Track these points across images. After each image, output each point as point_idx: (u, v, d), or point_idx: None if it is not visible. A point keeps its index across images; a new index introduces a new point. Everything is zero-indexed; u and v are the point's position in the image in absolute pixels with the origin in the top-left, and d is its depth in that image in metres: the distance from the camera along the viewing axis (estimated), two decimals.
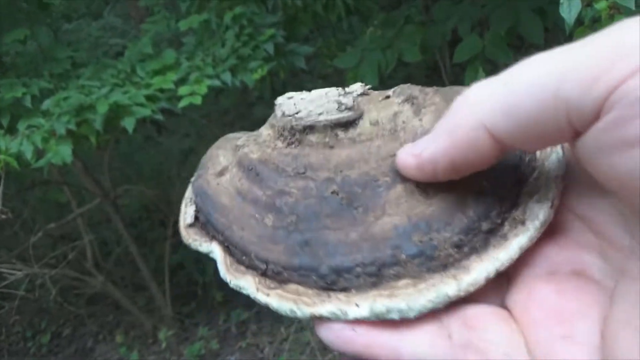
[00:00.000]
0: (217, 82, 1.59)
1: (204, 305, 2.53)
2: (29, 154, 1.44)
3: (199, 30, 1.76)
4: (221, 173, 0.25)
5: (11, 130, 1.52)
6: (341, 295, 0.20)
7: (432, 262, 0.20)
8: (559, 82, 0.16)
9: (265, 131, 0.25)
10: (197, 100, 1.53)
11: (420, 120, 0.23)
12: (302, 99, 0.25)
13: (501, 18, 1.35)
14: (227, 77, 1.58)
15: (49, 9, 1.95)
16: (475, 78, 1.38)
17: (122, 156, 2.87)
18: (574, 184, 0.21)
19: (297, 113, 0.24)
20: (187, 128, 3.11)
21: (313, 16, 1.83)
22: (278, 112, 0.25)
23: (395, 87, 0.26)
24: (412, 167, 0.20)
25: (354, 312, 0.19)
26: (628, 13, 0.77)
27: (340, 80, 2.30)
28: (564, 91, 0.16)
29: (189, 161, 2.82)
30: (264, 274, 0.22)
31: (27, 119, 1.51)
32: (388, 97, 0.25)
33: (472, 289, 0.19)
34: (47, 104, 1.52)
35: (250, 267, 0.22)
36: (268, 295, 0.21)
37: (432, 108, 0.23)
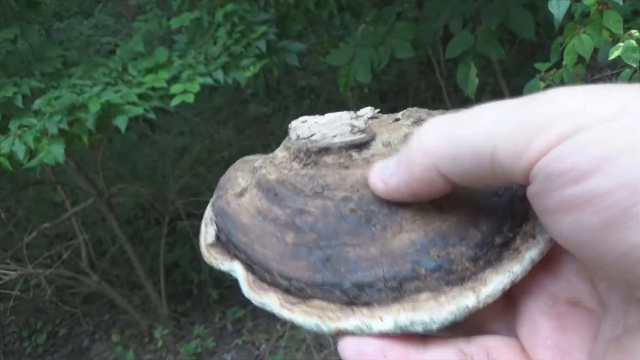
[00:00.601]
0: (209, 80, 1.59)
1: (199, 304, 2.53)
2: (21, 154, 1.43)
3: (191, 28, 1.75)
4: (241, 194, 0.26)
5: (3, 130, 1.51)
6: (364, 310, 0.21)
7: (450, 275, 0.21)
8: (494, 148, 0.18)
9: (280, 153, 0.26)
10: (190, 98, 1.53)
11: None
12: (315, 122, 0.26)
13: (491, 13, 1.35)
14: (219, 75, 1.58)
15: (39, 8, 1.94)
16: (467, 73, 1.38)
17: (116, 155, 2.86)
18: None
19: (311, 136, 0.25)
20: (181, 126, 3.10)
21: (305, 13, 1.82)
22: (292, 135, 0.26)
23: (404, 111, 0.27)
24: (381, 191, 0.22)
25: (378, 325, 0.20)
26: (616, 8, 0.78)
27: (333, 77, 2.30)
28: (498, 157, 0.18)
29: (183, 159, 2.81)
30: (287, 290, 0.22)
31: (18, 118, 1.51)
32: (397, 119, 0.26)
33: (490, 300, 0.20)
34: (38, 103, 1.51)
35: (273, 284, 0.22)
36: (292, 311, 0.22)
37: None
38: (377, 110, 0.27)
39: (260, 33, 1.62)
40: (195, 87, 1.53)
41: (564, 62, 0.85)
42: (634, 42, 0.69)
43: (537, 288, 0.22)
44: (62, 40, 2.14)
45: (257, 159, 0.27)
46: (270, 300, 0.22)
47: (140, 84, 1.56)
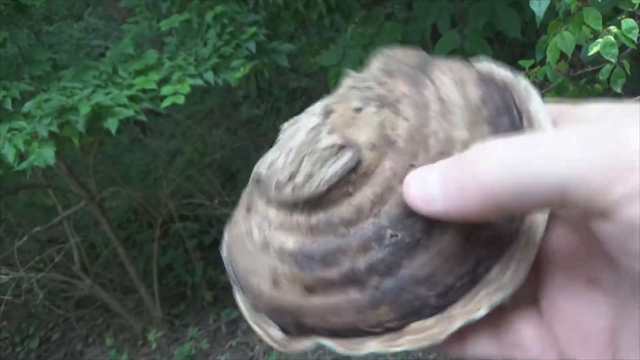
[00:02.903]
0: (199, 82, 1.59)
1: (193, 306, 2.53)
2: (11, 157, 1.43)
3: (181, 30, 1.76)
4: (275, 282, 0.23)
5: None
6: (458, 308, 0.21)
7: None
8: (565, 189, 0.16)
9: (269, 211, 0.23)
10: (180, 100, 1.53)
11: (406, 119, 0.22)
12: (284, 155, 0.22)
13: (478, 13, 1.37)
14: (209, 76, 1.59)
15: (28, 11, 1.93)
16: None
17: (108, 158, 2.85)
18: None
19: (292, 178, 0.22)
20: (173, 129, 3.10)
21: (295, 14, 1.83)
22: (268, 185, 0.22)
23: (351, 89, 0.23)
24: (422, 211, 0.20)
25: (479, 314, 0.21)
26: (596, 5, 0.79)
27: (325, 78, 2.31)
28: (570, 198, 0.16)
29: (175, 162, 2.81)
30: (383, 333, 0.22)
31: (8, 121, 1.51)
32: (359, 109, 0.22)
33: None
34: (28, 106, 1.51)
35: (367, 334, 0.22)
36: (401, 345, 0.22)
37: (405, 100, 0.22)
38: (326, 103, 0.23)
39: (250, 34, 1.63)
40: (186, 89, 1.54)
41: (547, 59, 0.86)
42: (612, 38, 0.71)
43: (557, 260, 0.21)
44: (51, 44, 2.14)
45: (241, 225, 0.24)
46: (372, 348, 0.22)
47: (130, 86, 1.57)
